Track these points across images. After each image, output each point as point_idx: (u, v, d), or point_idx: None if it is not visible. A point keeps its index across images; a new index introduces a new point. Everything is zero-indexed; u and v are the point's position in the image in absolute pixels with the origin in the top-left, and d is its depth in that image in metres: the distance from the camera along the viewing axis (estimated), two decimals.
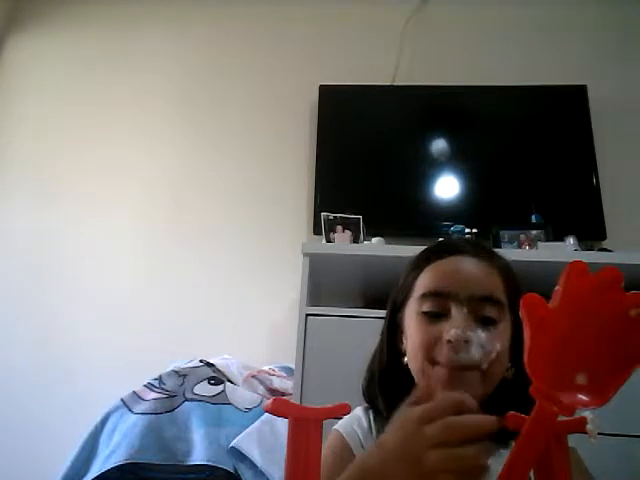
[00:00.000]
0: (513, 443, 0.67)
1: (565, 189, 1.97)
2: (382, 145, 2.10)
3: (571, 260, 0.48)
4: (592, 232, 1.89)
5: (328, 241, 1.69)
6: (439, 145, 2.08)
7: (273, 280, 1.98)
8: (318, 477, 0.52)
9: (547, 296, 0.50)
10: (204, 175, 2.19)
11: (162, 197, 2.17)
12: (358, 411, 0.81)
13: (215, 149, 2.22)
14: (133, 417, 1.32)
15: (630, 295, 0.46)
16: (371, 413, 0.79)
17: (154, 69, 2.36)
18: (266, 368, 1.65)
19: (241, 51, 2.36)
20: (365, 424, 0.78)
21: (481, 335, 0.66)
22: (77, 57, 2.43)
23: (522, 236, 1.74)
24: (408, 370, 0.73)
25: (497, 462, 0.66)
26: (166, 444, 1.26)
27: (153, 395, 1.38)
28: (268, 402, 0.53)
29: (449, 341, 0.66)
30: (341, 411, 0.56)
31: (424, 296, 0.73)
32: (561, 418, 0.48)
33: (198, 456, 1.24)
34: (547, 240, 1.71)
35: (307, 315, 1.42)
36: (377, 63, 2.23)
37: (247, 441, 1.25)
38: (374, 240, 1.69)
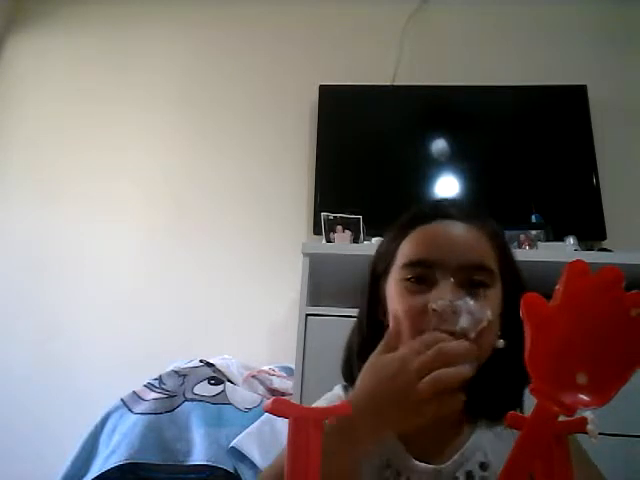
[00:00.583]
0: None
1: (565, 189, 1.97)
2: (382, 145, 2.10)
3: (571, 260, 0.48)
4: (592, 232, 1.89)
5: (328, 241, 1.69)
6: (439, 145, 2.08)
7: (273, 280, 1.98)
8: (318, 477, 0.52)
9: (547, 296, 0.50)
10: (204, 175, 2.19)
11: (162, 197, 2.17)
12: (338, 389, 0.78)
13: (215, 149, 2.22)
14: (133, 417, 1.32)
15: (630, 295, 0.46)
16: (351, 391, 0.73)
17: (154, 69, 2.36)
18: (266, 368, 1.65)
19: (241, 51, 2.36)
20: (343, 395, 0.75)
21: (470, 303, 0.62)
22: (77, 57, 2.43)
23: (522, 236, 1.74)
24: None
25: (487, 437, 0.67)
26: (166, 444, 1.26)
27: (153, 395, 1.38)
28: (268, 402, 0.53)
29: (435, 310, 0.62)
30: (341, 411, 0.56)
31: (408, 265, 0.68)
32: (562, 418, 0.48)
33: (198, 456, 1.24)
34: (547, 240, 1.71)
35: (307, 315, 1.42)
36: (377, 63, 2.23)
37: (247, 441, 1.25)
38: (374, 240, 1.69)
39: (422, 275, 0.66)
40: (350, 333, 0.77)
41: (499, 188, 2.01)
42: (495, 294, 0.67)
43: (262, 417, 1.32)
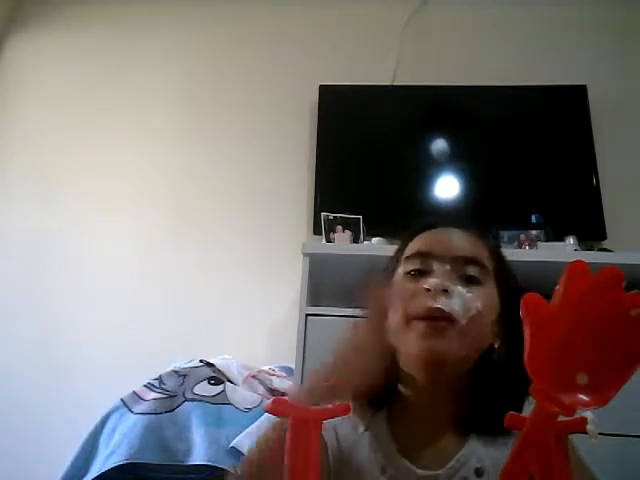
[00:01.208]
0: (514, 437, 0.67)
1: (565, 189, 1.97)
2: (382, 145, 2.10)
3: (571, 260, 0.48)
4: (592, 232, 1.89)
5: (328, 241, 1.70)
6: (439, 145, 2.08)
7: (273, 280, 1.98)
8: (318, 477, 0.52)
9: (547, 296, 0.50)
10: (204, 175, 2.19)
11: (162, 197, 2.17)
12: None
13: (215, 149, 2.22)
14: (133, 417, 1.32)
15: (630, 295, 0.46)
16: None
17: (154, 69, 2.36)
18: (266, 368, 1.65)
19: (241, 51, 2.36)
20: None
21: (461, 290, 0.66)
22: (77, 57, 2.42)
23: (522, 236, 1.74)
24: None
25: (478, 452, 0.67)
26: (166, 444, 1.26)
27: (153, 395, 1.38)
28: (268, 402, 0.53)
29: (427, 289, 0.66)
30: (341, 411, 0.56)
31: (409, 258, 0.74)
32: (561, 418, 0.48)
33: (198, 456, 1.23)
34: (547, 240, 1.71)
35: (307, 315, 1.42)
36: (377, 63, 2.23)
37: (247, 441, 1.25)
38: (374, 240, 1.69)
39: (421, 268, 0.72)
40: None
41: (499, 188, 2.01)
42: (487, 293, 0.70)
43: (262, 417, 1.32)
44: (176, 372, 1.49)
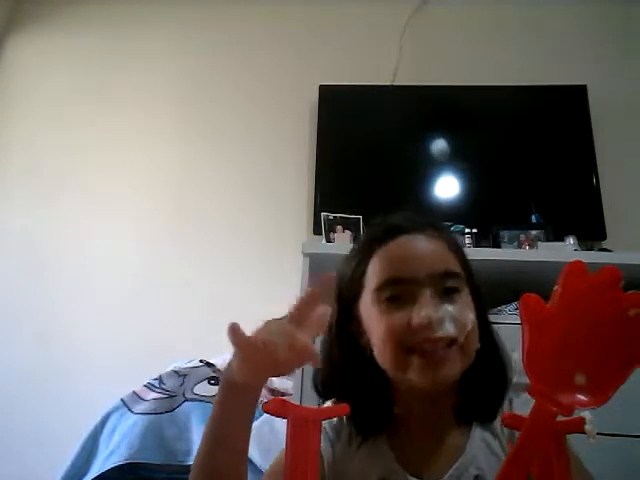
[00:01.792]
0: (497, 429, 0.68)
1: (565, 189, 1.97)
2: (382, 145, 2.10)
3: (571, 260, 0.48)
4: (592, 232, 1.89)
5: (328, 241, 1.70)
6: (439, 145, 2.08)
7: (273, 280, 1.98)
8: (318, 476, 0.52)
9: (547, 296, 0.50)
10: (204, 175, 2.19)
11: (162, 197, 2.17)
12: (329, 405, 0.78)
13: (215, 149, 2.22)
14: (133, 417, 1.32)
15: (629, 295, 0.46)
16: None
17: (154, 69, 2.36)
18: None
19: (241, 51, 2.36)
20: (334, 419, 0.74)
21: (450, 309, 0.64)
22: (77, 57, 2.42)
23: (522, 236, 1.74)
24: (370, 362, 0.69)
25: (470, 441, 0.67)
26: (166, 444, 1.26)
27: (153, 395, 1.38)
28: (266, 402, 0.53)
29: (419, 324, 0.63)
30: (340, 412, 0.56)
31: (381, 286, 0.68)
32: (560, 418, 0.48)
33: None
34: (547, 240, 1.71)
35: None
36: (377, 63, 2.23)
37: None
38: None
39: (397, 293, 0.67)
40: (324, 352, 0.76)
41: (499, 188, 2.00)
42: (467, 297, 0.68)
43: (261, 417, 1.32)
44: (176, 372, 1.49)
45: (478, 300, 0.71)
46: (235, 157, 2.20)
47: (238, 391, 0.60)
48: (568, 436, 0.50)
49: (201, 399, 1.37)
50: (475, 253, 1.59)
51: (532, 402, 0.62)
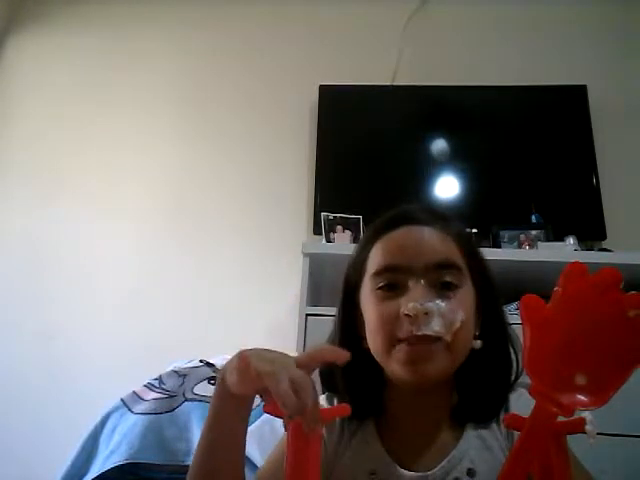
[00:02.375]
0: (494, 425, 0.68)
1: (565, 189, 1.97)
2: (382, 145, 2.10)
3: (571, 260, 0.49)
4: (592, 232, 1.89)
5: (328, 241, 1.70)
6: (439, 145, 2.08)
7: (273, 280, 1.98)
8: (318, 476, 0.52)
9: (547, 296, 0.50)
10: (204, 175, 2.19)
11: (162, 197, 2.17)
12: (321, 400, 0.77)
13: (215, 149, 2.22)
14: (133, 417, 1.31)
15: (629, 296, 0.46)
16: (335, 401, 0.74)
17: (154, 69, 2.36)
18: None
19: (241, 51, 2.36)
20: None
21: (441, 305, 0.62)
22: (77, 57, 2.42)
23: (522, 236, 1.74)
24: (369, 353, 0.69)
25: (470, 440, 0.67)
26: (166, 444, 1.26)
27: (153, 395, 1.38)
28: (267, 403, 0.53)
29: (407, 315, 0.62)
30: (341, 412, 0.56)
31: (377, 273, 0.68)
32: (560, 419, 0.48)
33: None
34: (547, 240, 1.71)
35: (307, 315, 1.42)
36: (377, 63, 2.23)
37: (247, 441, 1.25)
38: None
39: (392, 282, 0.67)
40: (330, 341, 0.76)
41: (499, 188, 2.01)
42: (466, 294, 0.67)
43: (262, 417, 1.32)
44: (176, 372, 1.49)
45: (487, 298, 0.70)
46: (235, 157, 2.20)
47: (231, 396, 0.60)
48: (572, 438, 0.50)
49: (201, 399, 1.37)
50: None
51: (524, 396, 0.62)
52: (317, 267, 1.52)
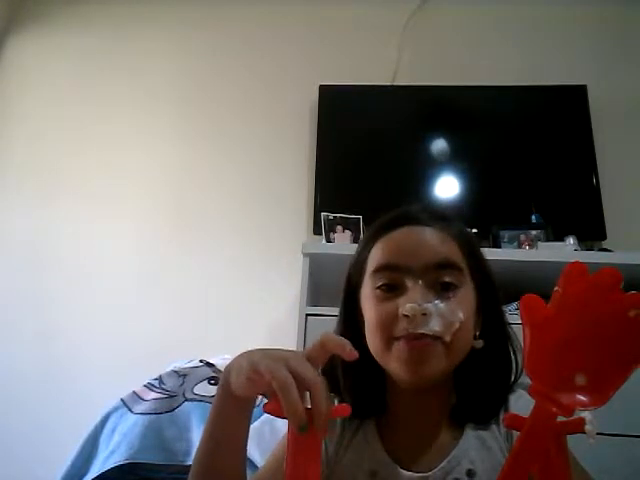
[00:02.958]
0: (493, 425, 0.68)
1: (565, 189, 1.97)
2: (382, 145, 2.10)
3: (571, 260, 0.49)
4: (592, 232, 1.89)
5: (328, 241, 1.70)
6: (439, 145, 2.08)
7: (273, 280, 1.98)
8: (319, 476, 0.52)
9: (547, 296, 0.50)
10: (204, 175, 2.19)
11: (162, 197, 2.17)
12: None
13: (215, 149, 2.22)
14: (133, 417, 1.31)
15: (629, 295, 0.46)
16: (336, 401, 0.74)
17: (154, 69, 2.36)
18: None
19: (241, 51, 2.36)
20: None
21: (440, 306, 0.63)
22: (77, 57, 2.42)
23: (522, 236, 1.74)
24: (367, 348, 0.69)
25: (470, 440, 0.67)
26: (166, 444, 1.26)
27: (153, 395, 1.38)
28: (268, 402, 0.53)
29: (406, 316, 0.62)
30: (341, 412, 0.56)
31: (376, 272, 0.69)
32: (560, 418, 0.48)
33: None
34: (547, 240, 1.71)
35: (307, 315, 1.42)
36: (377, 63, 2.23)
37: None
38: None
39: (391, 281, 0.67)
40: None
41: (499, 188, 2.01)
42: (466, 294, 0.67)
43: (262, 417, 1.32)
44: (176, 372, 1.49)
45: (487, 297, 0.71)
46: (235, 157, 2.20)
47: (233, 397, 0.60)
48: (572, 438, 0.50)
49: (201, 399, 1.37)
50: None
51: (524, 397, 0.62)
52: (317, 267, 1.52)
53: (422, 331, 0.62)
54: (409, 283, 0.65)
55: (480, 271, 0.72)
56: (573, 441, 0.52)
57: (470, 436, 0.68)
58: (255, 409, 1.26)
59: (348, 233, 1.70)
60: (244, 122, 2.24)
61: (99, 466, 1.23)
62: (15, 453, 1.85)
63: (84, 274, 2.09)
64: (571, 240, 1.69)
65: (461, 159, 2.04)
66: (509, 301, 1.51)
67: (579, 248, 1.68)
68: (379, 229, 0.74)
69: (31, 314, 2.05)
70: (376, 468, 0.67)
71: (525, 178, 2.00)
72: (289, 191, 2.11)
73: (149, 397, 1.38)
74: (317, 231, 1.87)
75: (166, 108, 2.30)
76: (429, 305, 0.62)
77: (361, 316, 0.73)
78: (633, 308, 0.45)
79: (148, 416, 1.31)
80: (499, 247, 1.73)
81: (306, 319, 1.42)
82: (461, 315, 0.64)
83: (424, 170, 2.04)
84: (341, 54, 2.28)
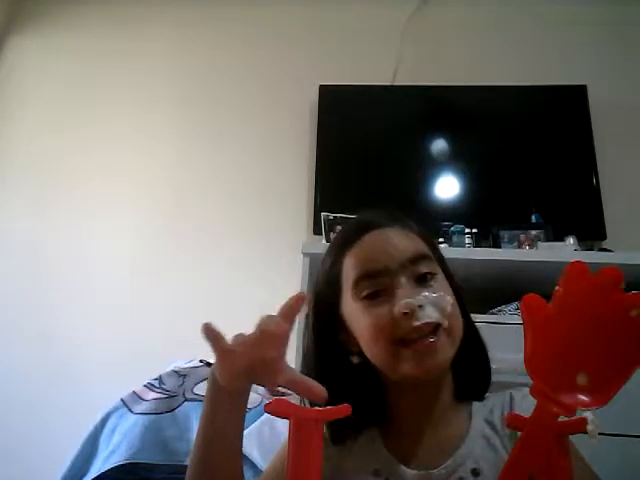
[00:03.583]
0: (488, 394, 0.71)
1: (565, 189, 1.97)
2: (382, 145, 2.10)
3: (571, 260, 0.49)
4: (592, 232, 1.89)
5: (328, 241, 1.69)
6: (439, 145, 2.08)
7: (273, 280, 1.98)
8: (320, 476, 0.52)
9: (547, 296, 0.50)
10: (204, 175, 2.19)
11: (162, 197, 2.17)
12: None
13: (215, 149, 2.22)
14: (133, 417, 1.31)
15: (630, 295, 0.46)
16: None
17: (154, 69, 2.36)
18: None
19: (241, 51, 2.36)
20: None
21: (430, 295, 0.65)
22: (77, 57, 2.42)
23: (522, 236, 1.74)
24: (357, 367, 0.71)
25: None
26: (166, 444, 1.26)
27: (153, 395, 1.38)
28: (269, 402, 0.53)
29: (405, 313, 0.64)
30: (342, 412, 0.56)
31: (357, 283, 0.69)
32: (562, 418, 0.48)
33: None
34: (547, 240, 1.71)
35: (307, 315, 1.41)
36: (377, 63, 2.23)
37: (247, 441, 1.24)
38: None
39: (375, 288, 0.68)
40: (306, 360, 0.78)
41: (499, 188, 2.01)
42: (443, 280, 0.70)
43: (262, 417, 1.32)
44: (176, 372, 1.49)
45: (453, 285, 0.73)
46: (235, 157, 2.20)
47: (222, 391, 0.62)
48: (573, 438, 0.50)
49: (201, 399, 1.37)
50: (475, 253, 1.61)
51: (529, 397, 0.62)
52: (317, 267, 1.52)
53: (423, 320, 0.64)
54: (393, 283, 0.67)
55: (441, 260, 0.75)
56: (574, 441, 0.52)
57: (477, 433, 0.68)
58: (256, 409, 1.26)
59: None
60: (244, 122, 2.24)
61: (99, 466, 1.23)
62: (15, 453, 1.84)
63: (84, 274, 2.09)
64: (571, 240, 1.69)
65: (461, 159, 2.04)
66: (509, 301, 1.51)
67: (579, 248, 1.68)
68: (343, 243, 0.75)
69: (31, 314, 2.05)
70: (379, 467, 0.68)
71: (525, 178, 2.00)
72: (289, 191, 2.11)
73: (149, 397, 1.38)
74: (317, 231, 1.87)
75: (166, 108, 2.30)
76: (421, 297, 0.65)
77: (343, 334, 0.73)
78: (634, 308, 0.45)
79: (148, 416, 1.31)
80: (499, 247, 1.73)
81: (306, 319, 1.41)
82: (449, 298, 0.67)
83: (424, 170, 2.04)
84: (341, 54, 2.28)
